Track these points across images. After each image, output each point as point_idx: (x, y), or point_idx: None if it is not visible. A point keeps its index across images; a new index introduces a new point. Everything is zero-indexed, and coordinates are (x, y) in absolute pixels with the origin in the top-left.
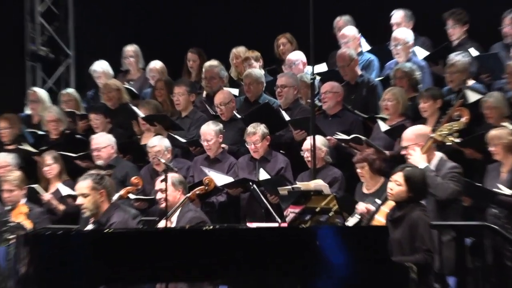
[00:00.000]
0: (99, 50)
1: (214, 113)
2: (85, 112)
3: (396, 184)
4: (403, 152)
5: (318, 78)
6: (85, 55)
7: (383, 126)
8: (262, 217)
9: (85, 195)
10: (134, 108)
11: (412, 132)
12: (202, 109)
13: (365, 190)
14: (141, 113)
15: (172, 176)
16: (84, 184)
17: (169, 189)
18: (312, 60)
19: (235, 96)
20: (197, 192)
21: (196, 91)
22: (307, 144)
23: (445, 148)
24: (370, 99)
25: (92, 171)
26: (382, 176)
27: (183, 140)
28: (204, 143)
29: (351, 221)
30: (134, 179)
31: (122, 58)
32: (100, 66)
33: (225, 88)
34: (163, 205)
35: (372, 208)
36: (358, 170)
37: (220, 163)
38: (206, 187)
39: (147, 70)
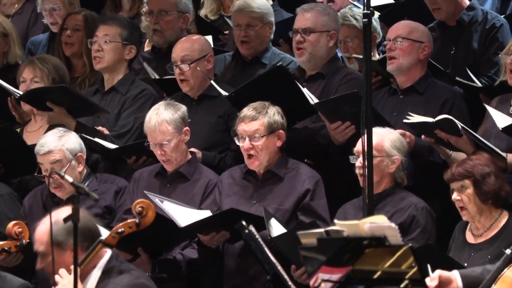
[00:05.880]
0: None
1: (157, 77)
2: None
3: None
4: None
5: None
6: None
7: (501, 118)
8: None
9: None
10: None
11: None
12: (144, 75)
13: (470, 236)
14: (13, 89)
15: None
16: None
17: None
18: None
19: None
20: (120, 230)
21: (138, 43)
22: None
23: None
24: (488, 53)
25: None
26: (503, 209)
27: (111, 146)
28: (157, 151)
29: None
30: (12, 226)
31: None
32: None
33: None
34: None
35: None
36: (455, 196)
37: (187, 183)
38: (138, 220)
39: None
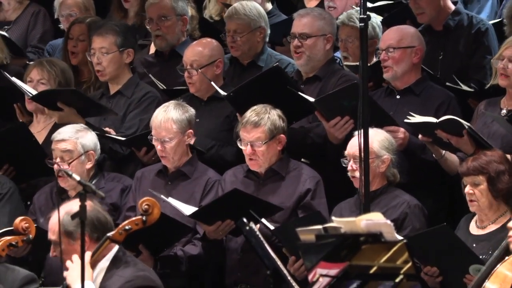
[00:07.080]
0: None
1: (163, 87)
2: None
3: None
4: None
5: (375, 20)
6: None
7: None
8: (267, 285)
9: None
10: (16, 80)
11: None
12: (149, 78)
13: (474, 228)
14: (28, 88)
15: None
16: None
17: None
18: None
19: None
20: (127, 227)
21: (135, 44)
22: (354, 145)
23: None
24: (476, 57)
25: None
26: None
27: (119, 138)
28: (157, 146)
29: None
30: (19, 222)
31: None
32: None
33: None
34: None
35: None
36: (468, 189)
37: (187, 181)
38: (145, 217)
39: (56, 4)
